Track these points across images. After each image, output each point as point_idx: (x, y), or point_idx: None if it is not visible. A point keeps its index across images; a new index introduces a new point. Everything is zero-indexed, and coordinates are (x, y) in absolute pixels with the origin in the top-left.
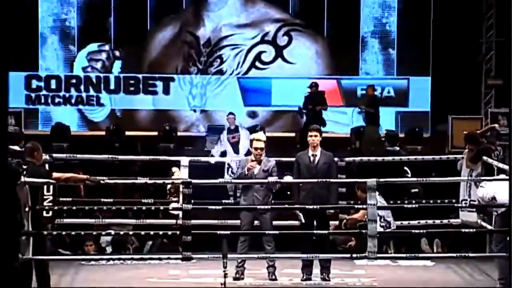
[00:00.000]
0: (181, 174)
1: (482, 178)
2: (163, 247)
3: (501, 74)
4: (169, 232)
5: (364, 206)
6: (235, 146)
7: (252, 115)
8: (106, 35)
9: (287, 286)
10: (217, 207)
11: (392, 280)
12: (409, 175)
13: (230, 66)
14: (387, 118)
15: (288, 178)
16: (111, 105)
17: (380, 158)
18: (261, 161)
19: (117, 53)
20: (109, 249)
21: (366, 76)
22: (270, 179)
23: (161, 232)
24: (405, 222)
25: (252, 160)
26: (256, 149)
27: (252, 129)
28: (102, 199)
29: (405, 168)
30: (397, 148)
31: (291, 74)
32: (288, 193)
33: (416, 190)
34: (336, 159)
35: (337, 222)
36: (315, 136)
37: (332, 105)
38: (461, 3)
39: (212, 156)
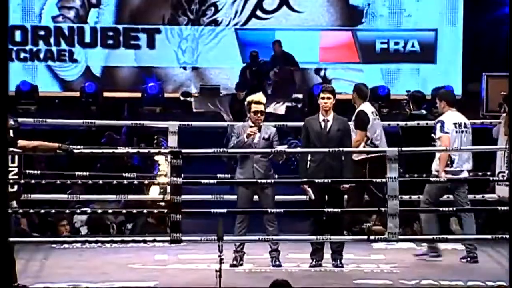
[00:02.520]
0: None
1: None
2: (147, 228)
3: None
4: (155, 210)
5: (384, 180)
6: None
7: None
8: None
9: (293, 273)
10: (211, 181)
11: (416, 267)
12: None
13: (227, 16)
14: (411, 77)
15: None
16: (86, 61)
17: (403, 123)
18: (260, 127)
19: (93, 0)
20: (83, 230)
21: (386, 28)
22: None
23: (145, 210)
24: None
25: (251, 126)
26: (255, 113)
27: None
28: (77, 172)
29: (433, 135)
30: (424, 112)
31: (298, 25)
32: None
33: None
34: (351, 123)
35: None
36: (328, 98)
37: (346, 61)
38: None
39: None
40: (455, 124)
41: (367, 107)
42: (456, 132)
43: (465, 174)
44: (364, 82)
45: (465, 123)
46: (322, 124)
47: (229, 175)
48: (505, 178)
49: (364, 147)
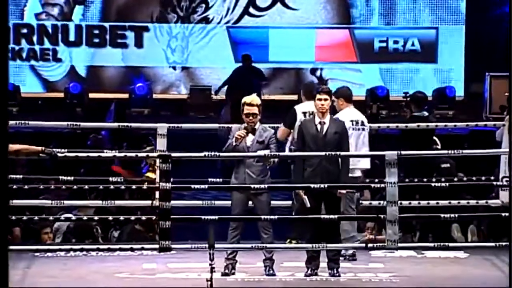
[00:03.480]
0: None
1: None
2: (135, 235)
3: None
4: (143, 217)
5: (383, 185)
6: None
7: None
8: None
9: (288, 283)
10: (202, 186)
11: (416, 276)
12: (439, 147)
13: (218, 13)
14: (411, 77)
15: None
16: (71, 61)
17: (403, 125)
18: (254, 130)
19: None
20: (58, 237)
21: (385, 25)
22: (266, 152)
23: (133, 217)
24: (433, 202)
25: (245, 129)
26: (247, 115)
27: None
28: (61, 177)
29: (434, 138)
30: (426, 113)
31: (292, 23)
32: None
33: (447, 165)
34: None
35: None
36: (325, 100)
37: (344, 61)
38: None
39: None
40: (352, 121)
41: (302, 107)
42: (353, 129)
43: (358, 174)
44: (313, 81)
45: (362, 121)
46: (319, 126)
47: (221, 179)
48: (509, 183)
49: (290, 147)
